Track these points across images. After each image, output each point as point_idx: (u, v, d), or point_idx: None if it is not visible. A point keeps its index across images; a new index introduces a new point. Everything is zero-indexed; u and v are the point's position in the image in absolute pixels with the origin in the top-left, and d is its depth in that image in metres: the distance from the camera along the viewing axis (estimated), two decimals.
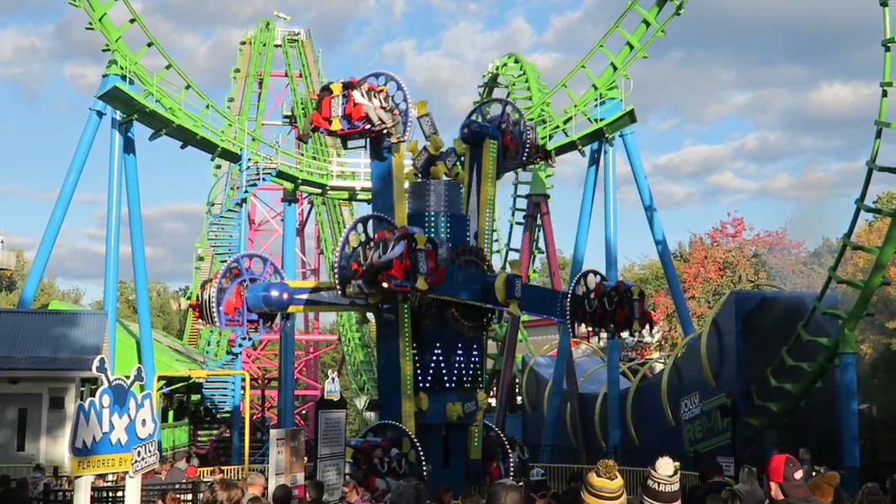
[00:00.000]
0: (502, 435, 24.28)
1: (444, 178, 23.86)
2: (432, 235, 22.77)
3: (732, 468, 21.72)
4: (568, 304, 25.23)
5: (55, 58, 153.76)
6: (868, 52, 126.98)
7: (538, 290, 28.95)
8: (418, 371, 22.31)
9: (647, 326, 26.75)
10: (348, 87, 21.25)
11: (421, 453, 21.07)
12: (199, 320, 26.27)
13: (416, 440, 21.20)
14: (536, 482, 17.68)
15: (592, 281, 26.19)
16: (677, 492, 6.11)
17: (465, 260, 22.47)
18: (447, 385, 22.37)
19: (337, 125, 21.30)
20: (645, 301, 26.40)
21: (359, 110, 20.90)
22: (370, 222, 21.31)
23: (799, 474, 6.77)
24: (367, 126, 21.14)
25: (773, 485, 6.77)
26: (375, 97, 21.28)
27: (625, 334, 26.82)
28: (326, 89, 21.83)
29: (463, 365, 22.56)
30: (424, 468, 20.60)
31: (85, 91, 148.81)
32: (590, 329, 25.61)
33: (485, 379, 23.52)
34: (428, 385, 22.24)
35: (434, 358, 22.29)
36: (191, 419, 43.93)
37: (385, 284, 19.38)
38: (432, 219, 22.91)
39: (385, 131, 21.53)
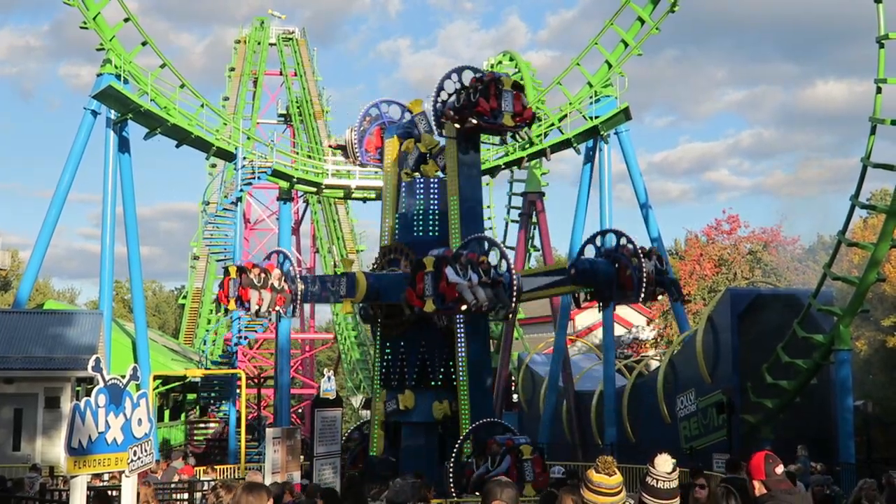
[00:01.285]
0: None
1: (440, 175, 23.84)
2: (420, 233, 22.83)
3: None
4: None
5: (50, 57, 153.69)
6: (862, 49, 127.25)
7: None
8: (405, 369, 22.34)
9: None
10: (441, 262, 20.42)
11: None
12: (345, 159, 28.53)
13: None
14: (557, 479, 17.74)
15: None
16: (676, 489, 6.11)
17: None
18: (433, 383, 22.34)
19: (430, 306, 20.57)
20: (543, 462, 21.92)
21: (452, 291, 20.03)
22: None
23: (780, 469, 6.78)
24: (463, 306, 20.27)
25: (755, 483, 6.78)
26: (474, 270, 20.18)
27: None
28: (420, 264, 20.97)
29: (451, 362, 22.45)
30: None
31: (80, 90, 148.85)
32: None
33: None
34: (413, 383, 22.26)
35: (419, 356, 22.28)
36: (187, 418, 43.92)
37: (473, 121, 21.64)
38: (420, 216, 22.97)
39: (269, 311, 22.29)
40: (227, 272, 22.88)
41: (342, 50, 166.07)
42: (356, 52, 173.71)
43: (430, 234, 22.89)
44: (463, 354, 22.32)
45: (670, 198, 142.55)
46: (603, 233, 23.93)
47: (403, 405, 22.37)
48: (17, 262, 65.32)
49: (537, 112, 38.71)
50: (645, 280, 21.80)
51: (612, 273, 22.22)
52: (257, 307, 21.93)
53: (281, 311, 22.32)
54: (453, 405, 22.33)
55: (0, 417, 29.62)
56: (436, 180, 23.43)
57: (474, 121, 21.59)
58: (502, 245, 22.70)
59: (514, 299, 20.43)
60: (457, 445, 21.19)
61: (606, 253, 22.73)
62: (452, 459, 20.99)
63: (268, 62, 58.58)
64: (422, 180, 23.43)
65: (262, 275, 22.03)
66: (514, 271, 20.66)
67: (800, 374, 26.41)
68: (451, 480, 20.49)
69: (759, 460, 6.83)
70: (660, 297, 25.85)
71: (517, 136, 25.82)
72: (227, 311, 23.93)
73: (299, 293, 22.02)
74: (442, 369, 22.48)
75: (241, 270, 22.27)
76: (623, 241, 22.87)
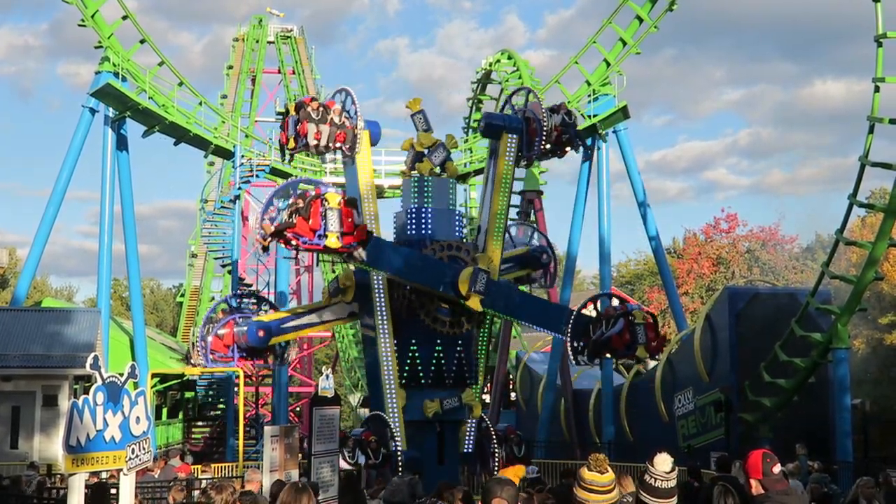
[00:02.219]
0: (491, 429, 24.14)
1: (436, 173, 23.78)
2: (414, 231, 22.80)
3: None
4: (571, 325, 23.58)
5: (49, 56, 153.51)
6: (860, 48, 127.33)
7: (531, 298, 25.58)
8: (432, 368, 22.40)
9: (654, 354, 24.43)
10: (299, 107, 22.27)
11: (396, 443, 21.16)
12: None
13: (394, 429, 21.34)
14: (531, 480, 17.70)
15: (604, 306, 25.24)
16: (674, 488, 6.09)
17: (450, 255, 22.36)
18: (423, 381, 22.32)
19: (291, 144, 22.27)
20: (657, 328, 23.83)
21: (303, 128, 21.82)
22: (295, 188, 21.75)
23: (777, 468, 6.78)
24: (312, 144, 21.87)
25: (752, 482, 6.78)
26: (327, 114, 21.98)
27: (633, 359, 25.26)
28: (286, 111, 23.20)
29: (444, 362, 22.33)
30: (399, 455, 20.85)
31: (79, 89, 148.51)
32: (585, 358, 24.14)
33: (474, 376, 23.24)
34: (403, 382, 22.27)
35: (409, 355, 22.27)
36: (185, 416, 43.89)
37: (293, 242, 20.27)
38: (413, 213, 22.98)
39: (329, 146, 22.10)
40: (286, 111, 22.88)
41: (341, 49, 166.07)
42: (355, 51, 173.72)
43: (424, 231, 22.88)
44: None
45: (668, 196, 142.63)
46: (512, 94, 26.08)
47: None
48: (15, 260, 65.22)
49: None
50: (547, 130, 23.49)
51: (521, 126, 23.69)
52: (315, 142, 21.69)
53: (343, 148, 22.09)
54: (445, 403, 22.22)
55: None
56: (429, 179, 23.40)
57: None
58: (352, 90, 22.88)
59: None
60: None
61: (518, 111, 24.32)
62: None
63: (266, 60, 58.53)
64: (415, 178, 23.44)
65: (321, 110, 21.89)
66: (358, 113, 22.35)
67: (798, 373, 26.43)
68: None
69: (756, 459, 6.83)
70: (655, 295, 26.43)
71: None
72: (290, 155, 23.55)
73: (358, 130, 21.98)
74: (433, 368, 22.41)
75: (300, 105, 22.17)
76: (531, 97, 24.74)
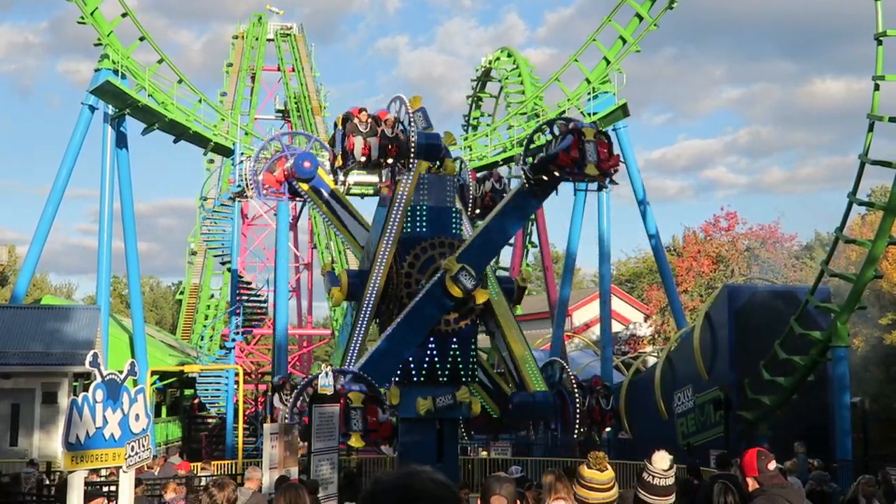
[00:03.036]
0: (573, 379, 23.84)
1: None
2: (409, 228, 22.79)
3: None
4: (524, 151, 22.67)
5: (49, 54, 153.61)
6: (859, 47, 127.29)
7: (496, 223, 23.25)
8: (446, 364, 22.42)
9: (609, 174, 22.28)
10: (346, 119, 21.30)
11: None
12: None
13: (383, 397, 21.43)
14: (517, 479, 17.69)
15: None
16: (673, 486, 6.11)
17: (441, 252, 22.27)
18: (415, 379, 22.27)
19: (339, 161, 21.57)
20: (610, 146, 21.79)
21: (350, 142, 21.00)
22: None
23: (772, 465, 6.81)
24: (361, 159, 21.06)
25: (749, 479, 6.81)
26: (378, 125, 21.01)
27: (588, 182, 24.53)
28: (333, 125, 22.41)
29: (437, 359, 22.24)
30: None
31: (79, 86, 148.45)
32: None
33: (471, 374, 23.08)
34: (397, 379, 22.26)
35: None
36: (184, 414, 43.88)
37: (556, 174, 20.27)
38: (408, 210, 22.98)
39: (381, 161, 21.28)
40: (333, 125, 22.04)
41: (341, 48, 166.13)
42: (355, 49, 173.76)
43: (419, 229, 22.87)
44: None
45: (668, 195, 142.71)
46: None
47: (389, 401, 22.58)
48: (15, 258, 65.21)
49: (535, 108, 38.83)
50: (477, 197, 23.73)
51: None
52: (364, 157, 20.82)
53: (399, 163, 21.06)
54: (438, 401, 22.13)
55: None
56: (426, 176, 23.37)
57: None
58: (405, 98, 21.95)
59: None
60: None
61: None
62: None
63: (266, 58, 58.51)
64: (427, 176, 23.43)
65: (371, 121, 21.01)
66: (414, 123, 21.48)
67: (797, 371, 26.43)
68: None
69: (751, 457, 6.86)
70: (655, 293, 25.97)
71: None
72: (344, 173, 22.37)
73: (412, 144, 20.84)
74: (426, 366, 22.36)
75: (347, 118, 21.25)
76: (464, 165, 24.54)
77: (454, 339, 22.47)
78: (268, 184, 23.11)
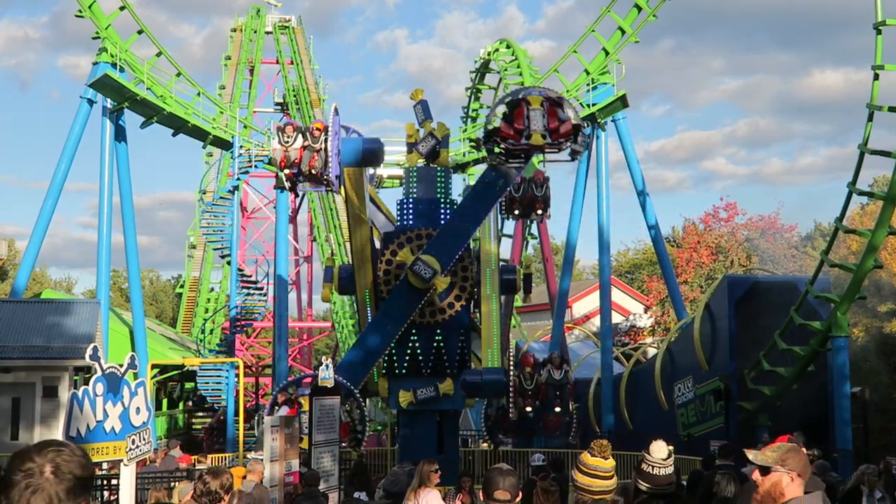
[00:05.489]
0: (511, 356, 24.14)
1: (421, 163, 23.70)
2: (399, 221, 22.80)
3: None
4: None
5: (49, 48, 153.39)
6: (858, 37, 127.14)
7: (466, 206, 23.08)
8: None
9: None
10: (279, 130, 21.52)
11: (366, 413, 21.31)
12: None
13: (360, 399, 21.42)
14: (537, 467, 17.73)
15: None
16: (671, 475, 6.12)
17: (419, 245, 22.19)
18: (396, 372, 22.27)
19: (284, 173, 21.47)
20: (559, 114, 21.31)
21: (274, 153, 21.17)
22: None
23: None
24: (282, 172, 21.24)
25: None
26: (302, 136, 21.08)
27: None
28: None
29: (420, 352, 22.19)
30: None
31: (78, 80, 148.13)
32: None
33: (455, 367, 22.94)
34: (384, 372, 22.32)
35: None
36: (184, 407, 43.93)
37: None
38: (398, 204, 23.11)
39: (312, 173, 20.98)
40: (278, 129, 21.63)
41: (339, 41, 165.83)
42: (354, 42, 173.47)
43: (406, 221, 22.91)
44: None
45: (668, 186, 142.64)
46: None
47: (379, 393, 22.88)
48: (15, 252, 65.18)
49: None
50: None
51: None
52: (282, 168, 20.87)
53: (320, 176, 20.85)
54: (419, 393, 22.08)
55: None
56: (416, 168, 23.38)
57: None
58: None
59: None
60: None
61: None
62: None
63: (264, 51, 58.40)
64: (416, 168, 23.39)
65: (297, 133, 20.94)
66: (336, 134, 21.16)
67: (797, 362, 26.45)
68: None
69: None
70: (655, 284, 26.10)
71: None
72: (290, 182, 21.80)
73: (332, 154, 20.59)
74: (407, 357, 22.35)
75: (279, 129, 21.37)
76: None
77: (438, 331, 22.38)
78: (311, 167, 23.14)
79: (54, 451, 3.03)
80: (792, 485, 4.66)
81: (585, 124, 22.96)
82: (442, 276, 21.36)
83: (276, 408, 20.29)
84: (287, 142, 20.95)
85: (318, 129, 20.95)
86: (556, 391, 24.28)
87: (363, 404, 21.77)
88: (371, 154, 21.86)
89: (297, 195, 24.41)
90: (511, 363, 23.19)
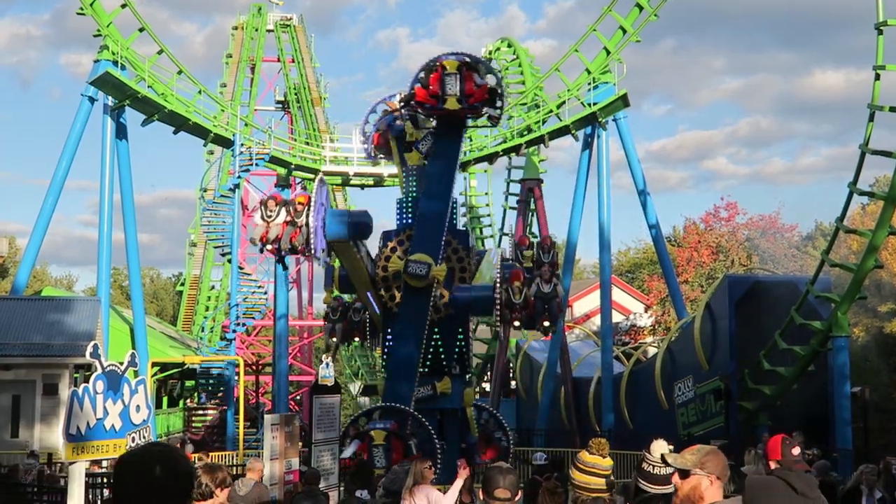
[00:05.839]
0: (499, 416, 24.17)
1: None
2: (403, 222, 22.82)
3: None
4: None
5: (50, 46, 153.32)
6: (859, 37, 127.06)
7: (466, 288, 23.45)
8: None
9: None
10: (262, 203, 21.25)
11: (431, 430, 20.87)
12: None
13: (421, 418, 21.00)
14: (540, 466, 17.72)
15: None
16: (672, 474, 6.12)
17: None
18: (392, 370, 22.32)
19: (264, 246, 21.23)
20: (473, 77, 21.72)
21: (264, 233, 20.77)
22: None
23: (796, 451, 6.94)
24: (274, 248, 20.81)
25: (772, 463, 6.96)
26: (286, 210, 20.58)
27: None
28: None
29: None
30: (437, 445, 20.60)
31: (79, 78, 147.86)
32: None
33: (453, 365, 22.93)
34: (383, 370, 22.39)
35: (386, 344, 22.32)
36: (185, 405, 43.94)
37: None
38: (398, 203, 23.14)
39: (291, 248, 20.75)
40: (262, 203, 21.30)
41: (341, 39, 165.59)
42: (355, 41, 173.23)
43: (406, 220, 22.91)
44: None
45: (668, 186, 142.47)
46: None
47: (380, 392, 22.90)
48: (15, 249, 65.16)
49: (536, 99, 38.71)
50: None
51: None
52: (261, 243, 20.66)
53: (307, 249, 20.38)
54: (417, 391, 22.05)
55: None
56: (417, 167, 23.40)
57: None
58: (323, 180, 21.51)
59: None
60: None
61: None
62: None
63: (265, 49, 58.37)
64: (403, 170, 23.49)
65: (280, 207, 20.57)
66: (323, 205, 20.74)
67: (797, 361, 26.45)
68: None
69: (776, 442, 7.03)
70: (655, 283, 26.05)
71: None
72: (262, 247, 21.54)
73: (315, 228, 19.96)
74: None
75: (262, 202, 21.10)
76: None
77: (435, 329, 22.38)
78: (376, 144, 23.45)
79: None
80: (711, 488, 4.60)
81: (501, 89, 22.62)
82: (437, 265, 21.46)
83: (349, 440, 19.94)
84: (269, 216, 20.53)
85: (300, 203, 20.29)
86: (544, 304, 23.57)
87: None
88: (357, 229, 20.94)
89: (285, 267, 24.54)
90: (500, 277, 22.78)
